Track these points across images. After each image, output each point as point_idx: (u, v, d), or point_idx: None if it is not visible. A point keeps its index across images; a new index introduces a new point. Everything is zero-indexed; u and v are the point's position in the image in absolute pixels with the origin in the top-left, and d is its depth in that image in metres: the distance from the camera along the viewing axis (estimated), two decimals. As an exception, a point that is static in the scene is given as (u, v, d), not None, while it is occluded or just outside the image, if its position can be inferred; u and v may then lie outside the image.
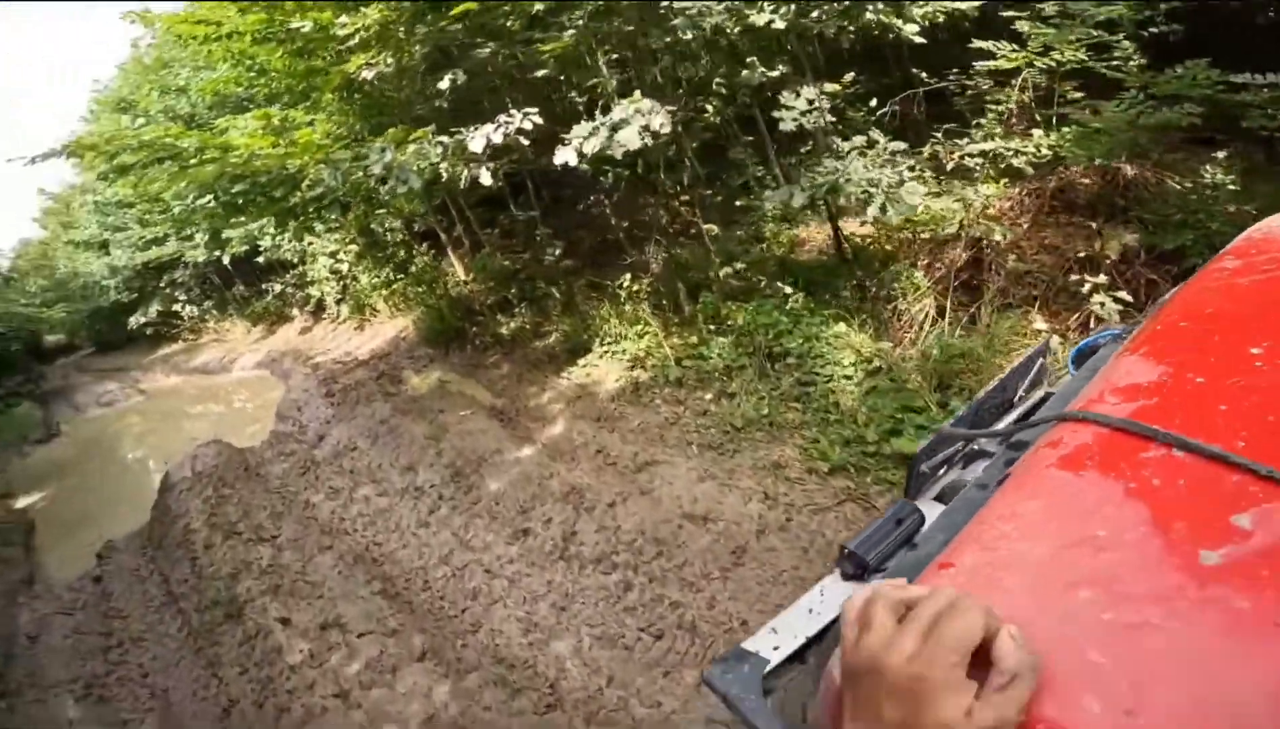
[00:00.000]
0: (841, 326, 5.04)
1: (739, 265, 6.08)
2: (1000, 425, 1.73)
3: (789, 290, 5.59)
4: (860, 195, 4.24)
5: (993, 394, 1.79)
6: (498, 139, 4.39)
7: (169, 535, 5.80)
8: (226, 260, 12.60)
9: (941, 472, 1.64)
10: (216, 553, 5.14)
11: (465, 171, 4.62)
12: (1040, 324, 4.64)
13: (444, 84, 5.02)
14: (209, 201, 12.10)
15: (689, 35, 4.41)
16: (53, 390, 15.36)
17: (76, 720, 4.22)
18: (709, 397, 5.31)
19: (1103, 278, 4.26)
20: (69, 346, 19.49)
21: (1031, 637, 0.61)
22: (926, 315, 5.14)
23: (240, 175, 5.99)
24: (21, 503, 8.68)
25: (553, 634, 3.69)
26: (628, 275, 6.16)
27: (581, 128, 4.14)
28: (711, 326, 5.85)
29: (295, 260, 12.21)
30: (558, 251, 7.66)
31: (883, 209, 4.06)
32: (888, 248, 5.78)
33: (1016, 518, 0.86)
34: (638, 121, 3.99)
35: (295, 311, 13.73)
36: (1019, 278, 5.05)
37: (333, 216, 8.03)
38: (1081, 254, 4.83)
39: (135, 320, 16.17)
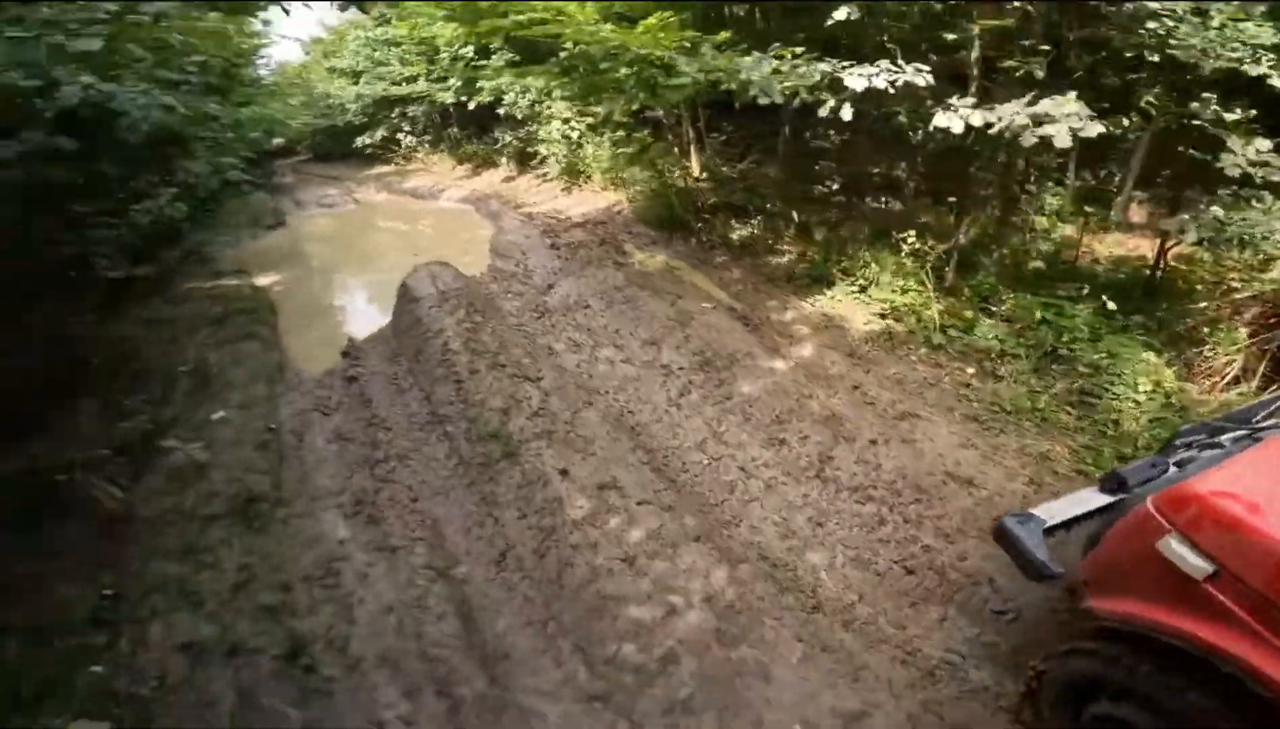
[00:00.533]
0: (1151, 356, 4.71)
1: (1044, 249, 5.73)
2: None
3: (1080, 295, 5.28)
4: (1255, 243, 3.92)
5: (1238, 414, 2.88)
6: (880, 83, 4.27)
7: (425, 350, 5.94)
8: (471, 106, 13.54)
9: (1183, 448, 2.69)
10: (483, 382, 5.20)
11: (829, 101, 4.55)
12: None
13: (840, 14, 4.87)
14: (469, 53, 12.81)
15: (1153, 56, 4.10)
16: (280, 185, 17.03)
17: (346, 540, 4.17)
18: (971, 371, 5.18)
19: None
20: (287, 150, 21.33)
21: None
22: (1233, 369, 4.72)
23: (580, 45, 6.18)
24: (261, 282, 9.15)
25: (808, 545, 3.88)
26: (912, 231, 5.90)
27: (1007, 107, 3.98)
28: (984, 305, 5.62)
29: (520, 117, 12.73)
30: (834, 184, 7.46)
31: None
32: (1198, 285, 5.29)
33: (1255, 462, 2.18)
34: (1066, 122, 3.78)
35: (502, 160, 14.38)
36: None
37: (626, 96, 8.05)
38: None
39: (362, 141, 17.87)
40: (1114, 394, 4.59)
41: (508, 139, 13.47)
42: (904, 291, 5.90)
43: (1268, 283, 4.83)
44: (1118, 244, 6.47)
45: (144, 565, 4.01)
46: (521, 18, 6.83)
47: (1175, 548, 1.89)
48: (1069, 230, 6.43)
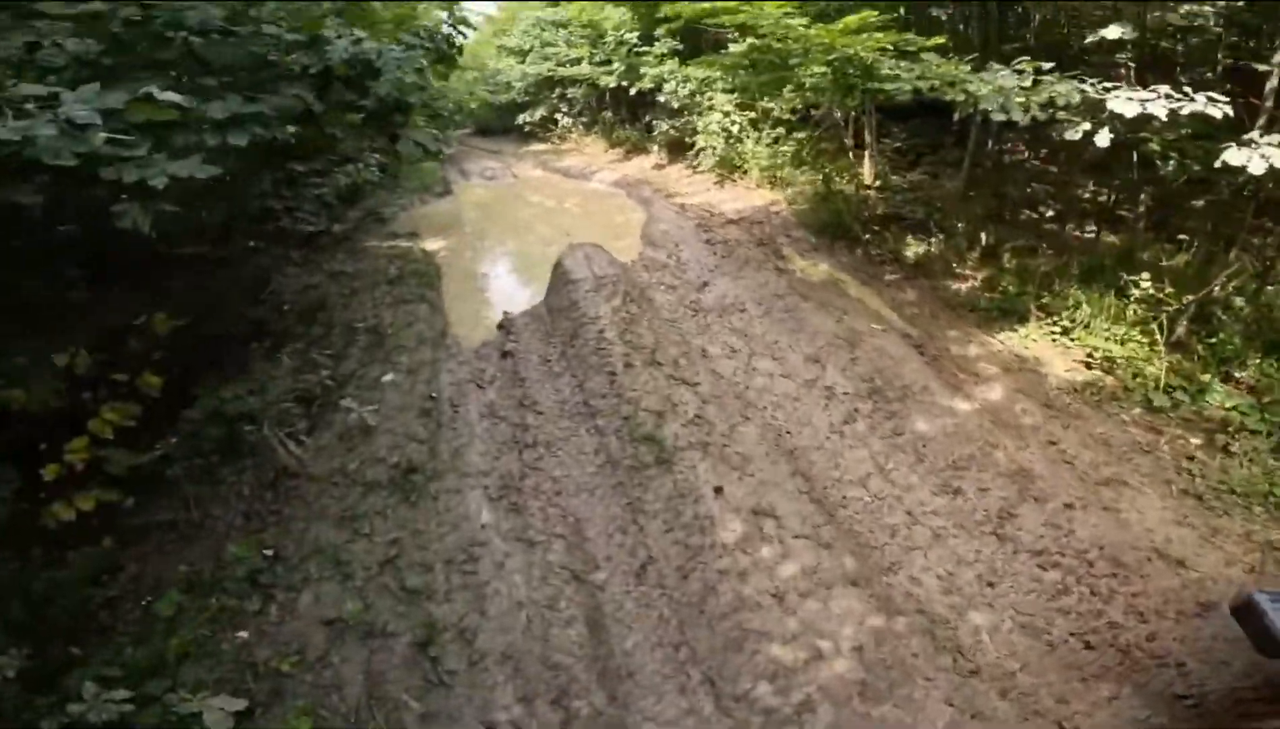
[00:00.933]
0: None
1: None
2: None
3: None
4: None
5: None
6: (1160, 111, 3.67)
7: (580, 336, 5.91)
8: (633, 92, 13.69)
9: None
10: (638, 378, 5.11)
11: (1081, 124, 4.01)
12: None
13: (1111, 32, 4.29)
14: (634, 39, 12.92)
15: None
16: (447, 156, 18.10)
17: (489, 525, 4.13)
18: (1196, 441, 4.46)
19: None
20: (455, 123, 22.67)
21: None
22: None
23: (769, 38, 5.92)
24: (429, 246, 9.71)
25: (974, 604, 3.56)
26: (1145, 273, 5.13)
27: None
28: (1223, 368, 4.80)
29: (678, 106, 12.61)
30: (1049, 211, 6.72)
31: None
32: None
33: None
34: None
35: (654, 147, 14.32)
36: None
37: (816, 93, 7.70)
38: None
39: (523, 118, 18.66)
40: None
41: (664, 126, 13.33)
42: (1123, 340, 5.15)
43: None
44: None
45: (306, 528, 4.22)
46: (707, 5, 6.62)
47: None
48: None
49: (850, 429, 4.75)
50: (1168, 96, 3.76)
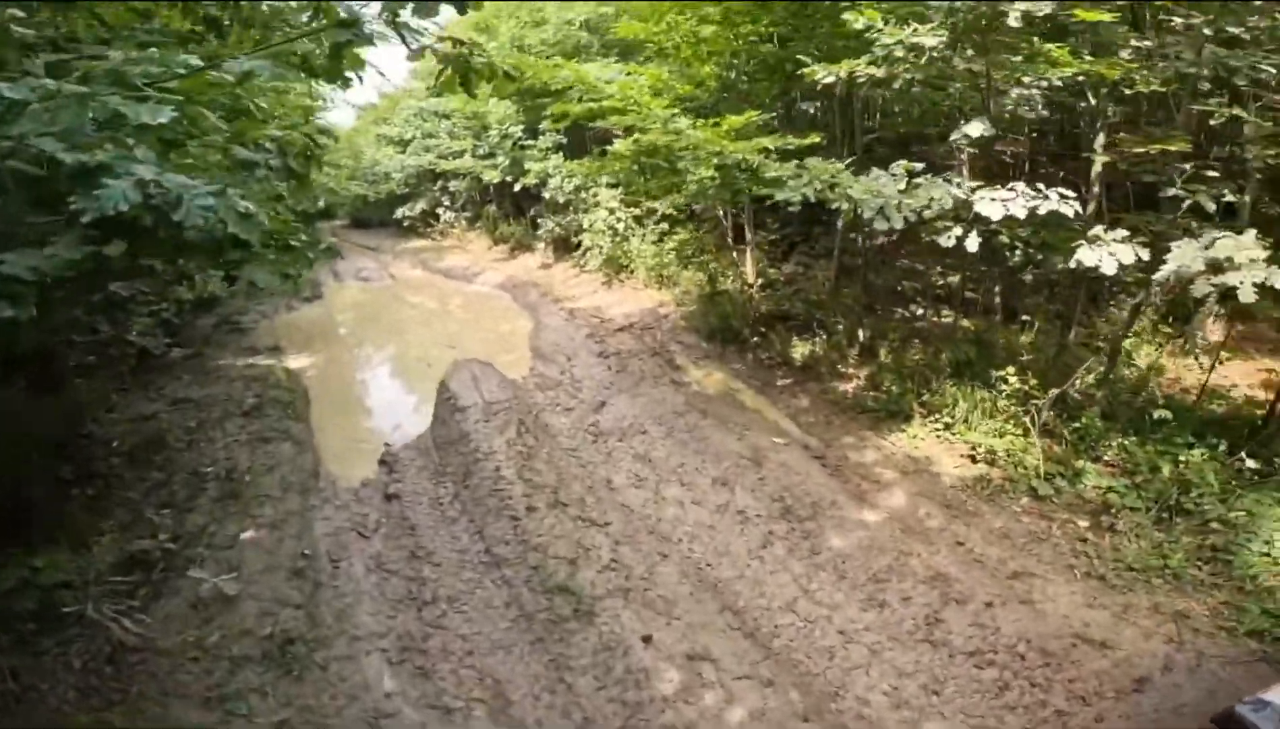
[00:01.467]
0: None
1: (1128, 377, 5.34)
2: None
3: (1195, 440, 4.87)
4: None
5: None
6: (1019, 212, 4.00)
7: (475, 475, 5.48)
8: (517, 187, 13.53)
9: None
10: (543, 522, 4.79)
11: (952, 230, 4.31)
12: None
13: (974, 130, 4.67)
14: (518, 132, 13.04)
15: None
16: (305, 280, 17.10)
17: (393, 693, 3.67)
18: (1084, 524, 4.72)
19: None
20: (323, 214, 21.65)
21: None
22: None
23: (660, 141, 6.05)
24: (295, 363, 8.85)
25: (925, 715, 3.48)
26: (1011, 369, 5.54)
27: (1183, 250, 3.73)
28: (1091, 451, 5.18)
29: (563, 201, 12.70)
30: (914, 302, 7.20)
31: None
32: None
33: None
34: (1249, 270, 3.44)
35: (539, 245, 14.27)
36: None
37: (698, 194, 7.95)
38: None
39: (402, 212, 18.12)
40: (1252, 550, 4.18)
41: (550, 224, 13.30)
42: (1000, 434, 5.45)
43: None
44: (1197, 368, 6.03)
45: (164, 709, 3.52)
46: (595, 105, 6.73)
47: None
48: (1149, 355, 6.07)
49: (769, 553, 4.61)
50: (1023, 195, 4.11)
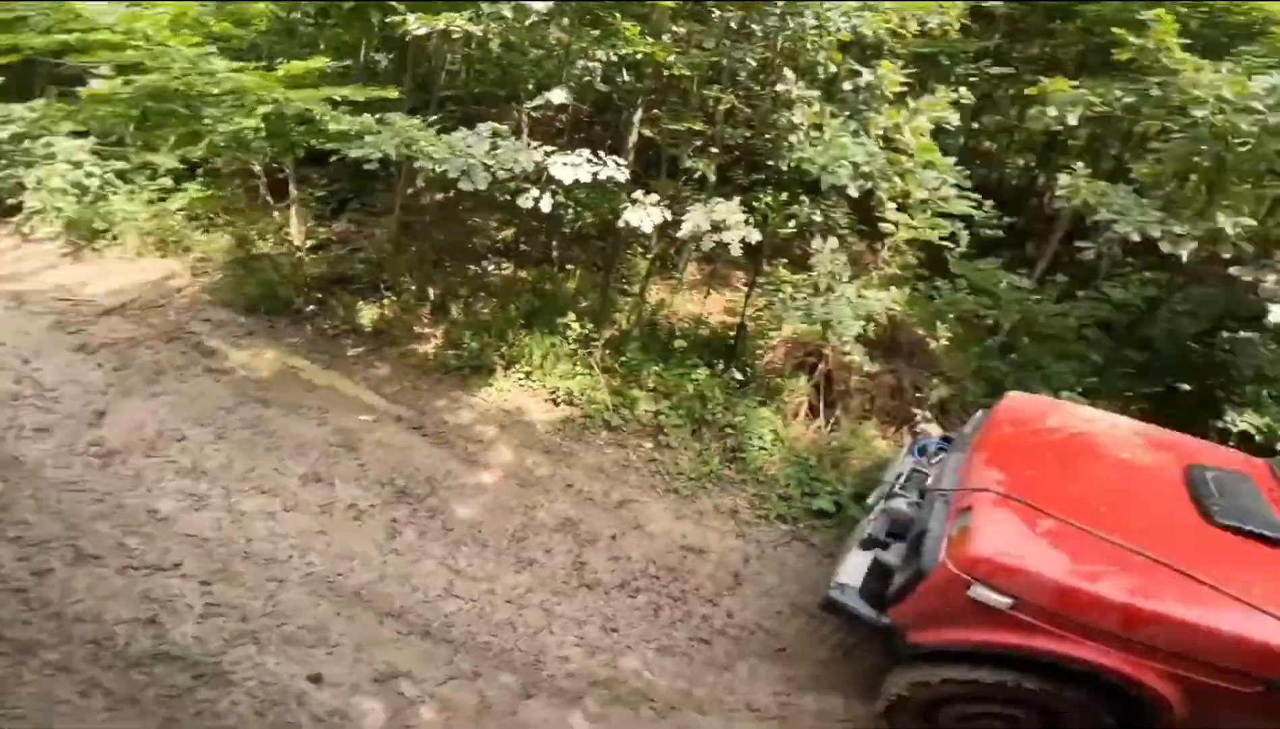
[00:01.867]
0: (765, 410, 6.05)
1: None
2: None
3: (699, 361, 6.41)
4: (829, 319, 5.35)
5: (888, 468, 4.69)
6: (585, 177, 4.40)
7: None
8: None
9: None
10: (71, 585, 3.47)
11: (530, 191, 4.46)
12: (872, 430, 6.29)
13: (557, 97, 4.68)
14: None
15: None
16: None
17: None
18: (649, 445, 5.74)
19: (927, 413, 6.15)
20: None
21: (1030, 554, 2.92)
22: (804, 409, 6.50)
23: (174, 85, 4.50)
24: None
25: (616, 653, 3.85)
26: (571, 314, 6.17)
27: (696, 213, 4.47)
28: (636, 381, 6.29)
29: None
30: (490, 264, 7.26)
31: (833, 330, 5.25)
32: (760, 336, 6.99)
33: (999, 520, 3.12)
34: (736, 230, 4.49)
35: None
36: (864, 394, 6.75)
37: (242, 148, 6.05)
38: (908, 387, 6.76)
39: None
40: (754, 446, 5.69)
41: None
42: (572, 376, 6.15)
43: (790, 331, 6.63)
44: (689, 303, 7.95)
45: None
46: (70, 37, 4.62)
47: (982, 592, 2.82)
48: (659, 295, 7.70)
49: (401, 542, 4.26)
50: (588, 162, 4.60)
